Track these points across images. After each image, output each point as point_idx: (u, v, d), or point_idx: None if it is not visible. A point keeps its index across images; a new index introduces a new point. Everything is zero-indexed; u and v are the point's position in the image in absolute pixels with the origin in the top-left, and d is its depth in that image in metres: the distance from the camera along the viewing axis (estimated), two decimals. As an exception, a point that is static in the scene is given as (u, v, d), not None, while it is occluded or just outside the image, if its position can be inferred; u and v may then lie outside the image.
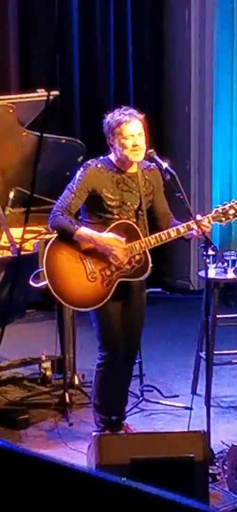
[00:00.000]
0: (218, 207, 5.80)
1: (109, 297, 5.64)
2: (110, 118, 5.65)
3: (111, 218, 5.67)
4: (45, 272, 5.69)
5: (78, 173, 5.69)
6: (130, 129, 5.59)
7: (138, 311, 5.84)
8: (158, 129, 9.70)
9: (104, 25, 9.85)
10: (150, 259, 5.69)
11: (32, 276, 6.22)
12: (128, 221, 5.68)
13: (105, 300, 5.64)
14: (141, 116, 5.66)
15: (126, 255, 5.63)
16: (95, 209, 5.69)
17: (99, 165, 5.69)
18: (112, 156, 5.72)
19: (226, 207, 5.77)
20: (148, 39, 10.25)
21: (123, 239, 5.62)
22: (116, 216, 5.67)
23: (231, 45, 10.01)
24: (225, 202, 5.83)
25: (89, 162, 5.75)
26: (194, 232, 5.64)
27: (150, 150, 5.70)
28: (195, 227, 5.60)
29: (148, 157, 5.72)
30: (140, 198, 5.72)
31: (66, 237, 5.64)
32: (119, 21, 9.90)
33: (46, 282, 5.73)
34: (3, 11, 9.29)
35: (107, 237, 5.61)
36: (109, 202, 5.66)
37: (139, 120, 5.64)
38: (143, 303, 5.88)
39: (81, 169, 5.71)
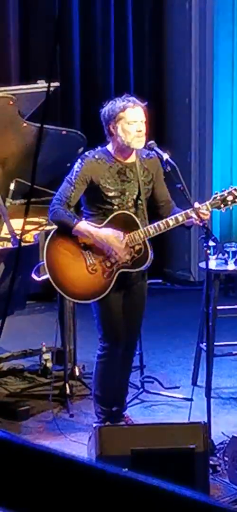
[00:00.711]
0: (216, 193, 5.79)
1: (110, 288, 5.64)
2: (111, 105, 5.63)
3: (110, 209, 5.66)
4: (45, 265, 5.70)
5: (76, 165, 5.68)
6: (135, 114, 5.59)
7: (139, 302, 5.83)
8: (158, 120, 9.69)
9: (104, 17, 9.84)
10: (150, 249, 5.68)
11: (34, 269, 6.23)
12: (126, 212, 5.67)
13: (106, 292, 5.64)
14: (143, 104, 5.67)
15: (125, 251, 5.61)
16: (94, 200, 5.68)
17: (96, 156, 5.68)
18: (110, 147, 5.71)
19: (225, 193, 5.76)
20: (149, 30, 10.23)
21: (121, 234, 5.61)
22: (116, 207, 5.66)
23: (232, 36, 10.00)
24: (223, 189, 5.82)
25: (86, 153, 5.74)
26: (193, 220, 5.63)
27: (151, 142, 5.69)
28: (194, 215, 5.59)
29: (149, 148, 5.72)
30: (139, 187, 5.71)
31: (65, 231, 5.63)
32: (119, 12, 9.89)
33: (47, 275, 5.73)
34: (4, 3, 9.28)
35: (105, 234, 5.60)
36: (107, 193, 5.65)
37: (141, 108, 5.65)
38: (144, 294, 5.87)
39: (79, 160, 5.70)
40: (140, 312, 5.86)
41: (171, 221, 5.66)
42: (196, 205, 5.63)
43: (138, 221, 5.66)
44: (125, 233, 5.64)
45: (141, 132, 5.60)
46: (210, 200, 5.74)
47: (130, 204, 5.69)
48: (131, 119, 5.58)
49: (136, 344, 6.23)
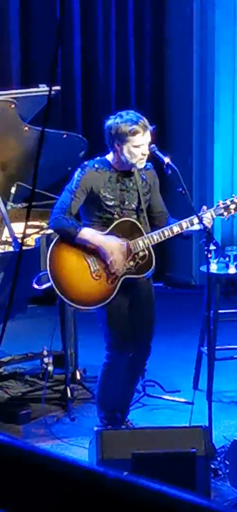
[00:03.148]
0: (219, 202, 5.84)
1: (114, 294, 5.61)
2: (121, 123, 5.56)
3: (111, 218, 5.65)
4: (49, 274, 5.66)
5: (76, 174, 5.67)
6: (143, 139, 5.57)
7: (147, 310, 5.75)
8: (159, 124, 9.68)
9: (105, 19, 9.86)
10: (154, 255, 5.67)
11: (35, 279, 6.22)
12: (130, 219, 5.66)
13: (111, 297, 5.61)
14: (152, 128, 5.64)
15: (122, 268, 5.61)
16: (94, 209, 5.66)
17: (96, 165, 5.66)
18: (110, 157, 5.69)
19: (228, 201, 5.82)
20: (150, 35, 10.24)
21: (124, 245, 5.60)
22: (116, 216, 5.66)
23: (233, 41, 10.01)
24: (226, 198, 5.90)
25: (86, 163, 5.73)
26: (196, 226, 5.65)
27: (152, 145, 5.68)
28: (197, 221, 5.61)
29: (150, 152, 5.71)
30: (139, 196, 5.71)
31: (68, 239, 5.62)
32: (121, 14, 9.91)
33: (50, 284, 5.71)
34: (4, 6, 9.29)
35: (110, 244, 5.60)
36: (107, 202, 5.64)
37: (150, 132, 5.62)
38: (152, 301, 5.76)
39: (79, 169, 5.68)
40: (149, 320, 5.80)
41: (175, 227, 5.67)
42: (204, 208, 5.67)
43: (141, 228, 5.66)
44: (129, 240, 5.63)
45: (146, 155, 5.60)
46: (214, 208, 5.78)
47: (130, 213, 5.69)
48: (139, 143, 5.55)
49: (148, 354, 5.92)
